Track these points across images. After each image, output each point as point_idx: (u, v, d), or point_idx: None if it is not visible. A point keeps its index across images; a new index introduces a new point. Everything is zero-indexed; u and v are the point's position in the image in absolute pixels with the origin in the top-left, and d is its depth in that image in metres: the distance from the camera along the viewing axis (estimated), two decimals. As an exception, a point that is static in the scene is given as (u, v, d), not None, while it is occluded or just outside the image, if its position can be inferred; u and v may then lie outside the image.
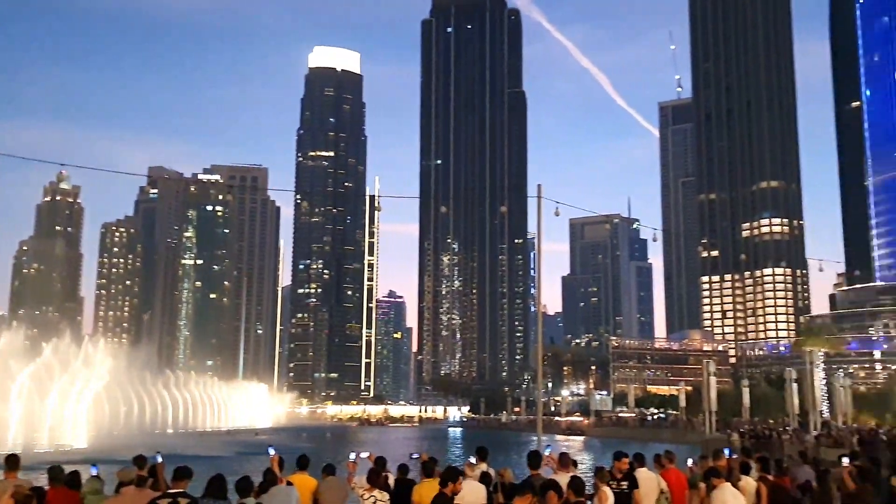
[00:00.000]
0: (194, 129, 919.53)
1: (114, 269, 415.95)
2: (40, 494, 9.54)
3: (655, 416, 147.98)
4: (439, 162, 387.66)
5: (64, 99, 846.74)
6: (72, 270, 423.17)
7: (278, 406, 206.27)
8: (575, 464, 12.41)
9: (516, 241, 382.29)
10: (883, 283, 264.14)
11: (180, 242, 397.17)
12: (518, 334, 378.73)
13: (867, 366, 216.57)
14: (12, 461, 10.47)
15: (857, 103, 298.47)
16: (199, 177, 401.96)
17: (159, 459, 11.28)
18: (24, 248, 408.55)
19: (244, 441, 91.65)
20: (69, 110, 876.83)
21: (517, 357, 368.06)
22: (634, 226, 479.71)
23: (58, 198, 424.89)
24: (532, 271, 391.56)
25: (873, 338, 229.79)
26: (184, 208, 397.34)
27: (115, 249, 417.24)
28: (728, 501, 11.54)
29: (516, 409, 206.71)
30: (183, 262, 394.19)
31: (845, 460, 15.34)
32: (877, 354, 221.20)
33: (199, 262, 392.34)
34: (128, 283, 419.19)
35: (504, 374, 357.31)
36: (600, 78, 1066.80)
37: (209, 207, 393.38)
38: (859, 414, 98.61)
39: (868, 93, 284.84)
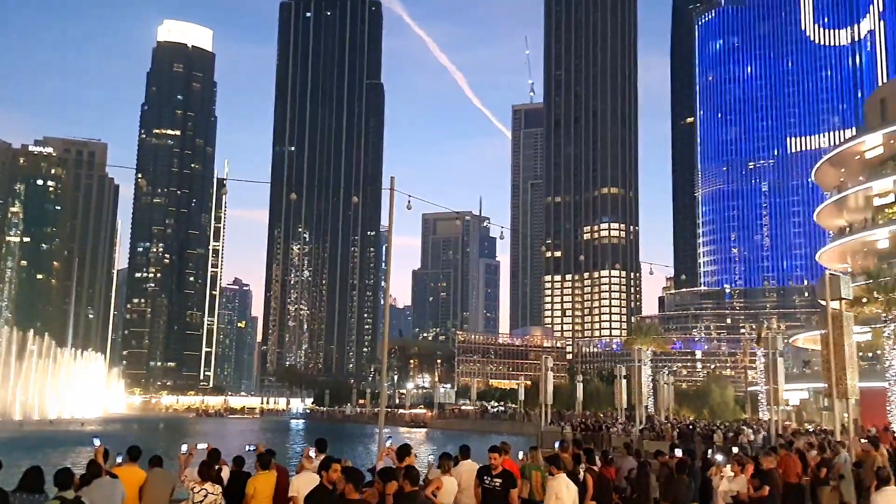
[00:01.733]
0: (27, 97, 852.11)
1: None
2: None
3: (496, 409, 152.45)
4: (293, 148, 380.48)
5: None
6: None
7: (109, 395, 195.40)
8: (415, 455, 12.58)
9: (369, 233, 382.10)
10: (706, 288, 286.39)
11: (5, 217, 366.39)
12: (367, 326, 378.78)
13: (689, 364, 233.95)
14: None
15: (691, 119, 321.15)
16: (30, 148, 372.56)
17: None
18: None
19: (69, 432, 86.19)
20: None
21: (364, 349, 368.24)
22: (485, 224, 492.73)
23: None
24: (383, 264, 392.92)
25: (695, 339, 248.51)
26: (11, 181, 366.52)
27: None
28: (562, 491, 12.07)
29: (361, 402, 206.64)
30: (8, 238, 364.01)
31: (678, 452, 16.54)
32: (698, 354, 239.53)
33: (26, 239, 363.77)
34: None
35: (351, 366, 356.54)
36: (458, 76, 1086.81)
37: (39, 182, 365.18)
38: (680, 409, 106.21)
39: (701, 111, 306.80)
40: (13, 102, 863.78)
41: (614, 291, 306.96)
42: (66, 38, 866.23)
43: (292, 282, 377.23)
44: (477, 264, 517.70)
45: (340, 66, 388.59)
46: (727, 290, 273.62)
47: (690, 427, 52.01)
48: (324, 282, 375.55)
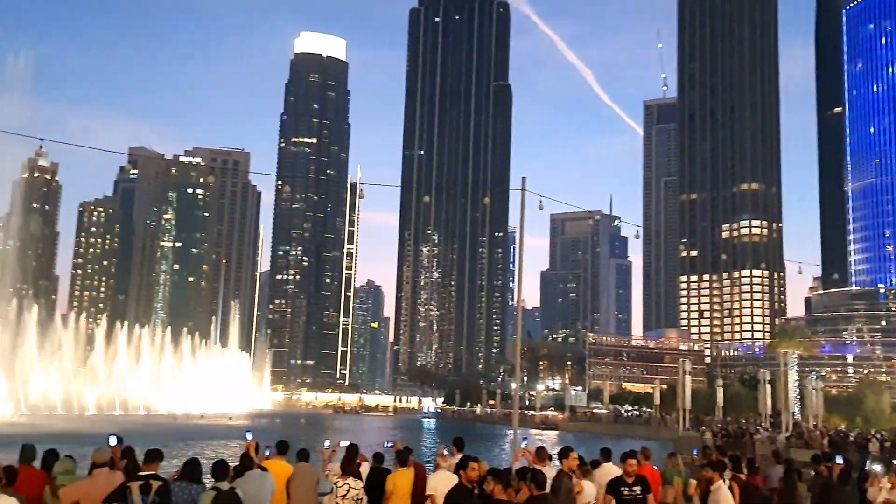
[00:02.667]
0: (177, 109, 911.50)
1: (90, 249, 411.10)
2: (11, 473, 9.42)
3: (630, 413, 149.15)
4: (422, 152, 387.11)
5: (45, 76, 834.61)
6: (48, 249, 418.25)
7: (254, 392, 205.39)
8: (551, 458, 12.44)
9: (497, 234, 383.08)
10: (858, 287, 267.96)
11: (159, 224, 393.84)
12: (495, 327, 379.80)
13: (839, 369, 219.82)
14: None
15: (839, 109, 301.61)
16: (181, 158, 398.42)
17: (113, 441, 11.07)
18: (0, 224, 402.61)
19: (219, 426, 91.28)
20: (50, 87, 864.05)
21: (493, 350, 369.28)
22: (616, 223, 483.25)
23: (35, 175, 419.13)
24: (511, 265, 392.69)
25: (846, 342, 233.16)
26: (163, 190, 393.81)
27: (93, 229, 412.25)
28: (729, 498, 11.63)
29: (491, 402, 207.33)
30: (161, 243, 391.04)
31: (839, 460, 15.54)
32: (849, 358, 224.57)
33: (178, 244, 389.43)
34: (104, 263, 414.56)
35: (480, 366, 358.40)
36: (586, 74, 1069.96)
37: (189, 190, 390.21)
38: (830, 416, 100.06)
39: (849, 100, 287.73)
40: (164, 115, 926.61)
41: (756, 292, 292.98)
42: (210, 54, 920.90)
43: (422, 283, 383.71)
44: (607, 264, 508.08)
45: (468, 69, 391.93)
46: (881, 290, 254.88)
47: (842, 435, 48.87)
48: (453, 283, 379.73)
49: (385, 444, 14.06)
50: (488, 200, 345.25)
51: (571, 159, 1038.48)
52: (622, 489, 11.30)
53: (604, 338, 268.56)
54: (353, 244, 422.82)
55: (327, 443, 13.09)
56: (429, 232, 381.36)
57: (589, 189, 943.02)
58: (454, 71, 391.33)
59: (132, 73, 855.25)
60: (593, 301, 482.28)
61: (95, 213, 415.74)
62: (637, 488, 11.28)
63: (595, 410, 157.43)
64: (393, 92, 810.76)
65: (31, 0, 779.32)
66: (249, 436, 12.21)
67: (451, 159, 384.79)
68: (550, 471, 11.22)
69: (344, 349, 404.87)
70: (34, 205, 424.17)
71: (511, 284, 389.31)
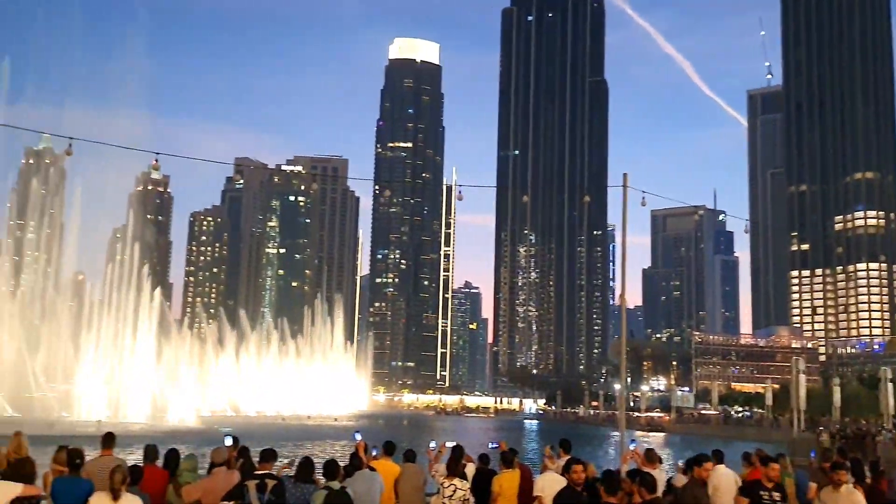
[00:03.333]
0: (279, 120, 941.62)
1: (201, 257, 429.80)
2: (137, 472, 9.90)
3: (740, 414, 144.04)
4: (517, 152, 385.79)
5: (153, 90, 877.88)
6: (162, 257, 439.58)
7: (357, 393, 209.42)
8: (660, 460, 12.14)
9: (595, 232, 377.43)
10: None
11: (264, 231, 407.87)
12: (596, 327, 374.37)
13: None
14: (108, 439, 10.90)
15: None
16: (283, 167, 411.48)
17: (229, 441, 11.50)
18: (118, 235, 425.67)
19: (325, 427, 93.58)
20: (158, 102, 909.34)
21: (595, 350, 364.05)
22: (720, 218, 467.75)
23: (149, 187, 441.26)
24: (611, 263, 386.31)
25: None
26: (268, 198, 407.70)
27: (203, 238, 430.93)
28: (862, 501, 11.09)
29: (594, 403, 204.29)
30: (267, 250, 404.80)
31: None
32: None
33: (282, 250, 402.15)
34: (214, 270, 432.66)
35: (581, 367, 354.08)
36: (685, 65, 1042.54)
37: (292, 197, 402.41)
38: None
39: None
40: (267, 126, 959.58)
41: (873, 286, 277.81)
42: (309, 65, 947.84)
43: (520, 284, 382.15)
44: (712, 261, 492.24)
45: (563, 66, 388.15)
46: None
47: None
48: (551, 283, 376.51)
49: (490, 445, 14.06)
50: (588, 199, 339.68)
51: (672, 154, 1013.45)
52: (761, 494, 10.71)
53: (711, 336, 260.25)
54: (450, 246, 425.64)
55: (433, 444, 13.19)
56: (525, 232, 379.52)
57: (691, 184, 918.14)
58: (548, 69, 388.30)
59: (236, 87, 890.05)
60: (698, 299, 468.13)
61: (205, 223, 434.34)
62: (777, 494, 10.70)
63: (703, 412, 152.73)
64: (487, 93, 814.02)
65: (140, 19, 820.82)
66: (358, 436, 12.44)
67: (547, 158, 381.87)
68: (661, 474, 10.94)
69: (443, 351, 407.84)
70: (148, 216, 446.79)
71: (611, 283, 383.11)
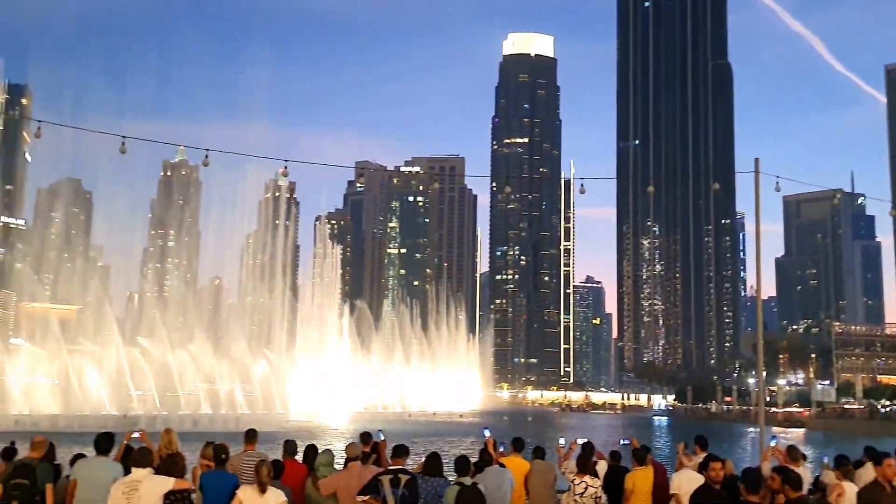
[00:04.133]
0: (397, 122, 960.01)
1: (326, 259, 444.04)
2: (279, 467, 10.32)
3: (887, 409, 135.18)
4: (637, 142, 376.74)
5: (278, 101, 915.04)
6: (290, 261, 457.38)
7: (480, 390, 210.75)
8: (804, 457, 11.52)
9: (723, 221, 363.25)
10: None
11: (385, 232, 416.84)
12: (727, 320, 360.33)
13: None
14: (251, 435, 11.43)
15: None
16: (401, 168, 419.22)
17: (381, 437, 11.85)
18: (250, 241, 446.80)
19: (451, 423, 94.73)
20: (282, 111, 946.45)
21: (726, 344, 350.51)
22: (859, 201, 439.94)
23: (277, 194, 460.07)
24: (741, 253, 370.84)
25: None
26: (388, 199, 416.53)
27: (328, 241, 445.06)
28: None
29: (727, 399, 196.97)
30: (388, 250, 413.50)
31: None
32: None
33: (403, 250, 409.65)
34: (339, 271, 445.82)
35: (712, 361, 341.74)
36: (815, 42, 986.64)
37: (411, 198, 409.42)
38: None
39: None
40: (385, 128, 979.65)
41: None
42: (424, 67, 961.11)
43: (644, 277, 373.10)
44: (851, 247, 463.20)
45: (683, 52, 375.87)
46: None
47: None
48: (677, 275, 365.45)
49: (621, 442, 13.77)
50: (717, 187, 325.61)
51: (804, 136, 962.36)
52: None
53: (852, 327, 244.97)
54: (569, 241, 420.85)
55: (562, 440, 13.07)
56: (649, 223, 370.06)
57: (826, 167, 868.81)
58: (667, 55, 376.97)
59: (355, 93, 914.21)
60: (837, 288, 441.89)
61: (329, 226, 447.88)
62: None
63: (846, 406, 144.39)
64: (604, 83, 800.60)
65: (261, 30, 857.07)
66: (487, 433, 12.48)
67: (669, 147, 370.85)
68: (805, 472, 10.39)
69: (566, 347, 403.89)
70: (276, 221, 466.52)
71: (742, 274, 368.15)
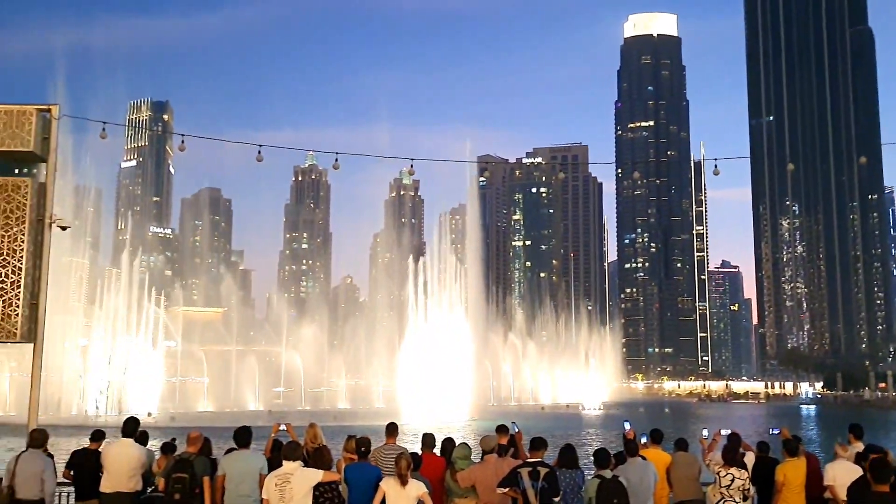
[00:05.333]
0: (516, 114, 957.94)
1: (452, 255, 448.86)
2: (417, 459, 10.58)
3: None
4: (771, 118, 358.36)
5: (395, 99, 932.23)
6: (417, 258, 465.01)
7: (613, 382, 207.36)
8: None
9: (870, 196, 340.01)
10: None
11: (509, 225, 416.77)
12: (878, 302, 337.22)
13: None
14: (392, 428, 11.75)
15: None
16: (523, 160, 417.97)
17: (516, 429, 11.87)
18: (378, 240, 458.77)
19: (584, 415, 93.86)
20: (401, 110, 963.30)
21: (878, 327, 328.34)
22: None
23: (402, 192, 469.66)
24: (891, 230, 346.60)
25: None
26: (510, 193, 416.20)
27: (453, 236, 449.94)
28: None
29: (881, 385, 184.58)
30: (513, 243, 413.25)
31: None
32: None
33: (528, 242, 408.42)
34: (464, 266, 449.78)
35: (863, 346, 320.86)
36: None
37: (533, 189, 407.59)
38: None
39: None
40: (505, 120, 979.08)
41: None
42: (541, 57, 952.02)
43: (784, 259, 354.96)
44: None
45: (817, 19, 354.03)
46: None
47: None
48: (820, 256, 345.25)
49: (770, 432, 13.18)
50: (864, 160, 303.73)
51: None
52: None
53: None
54: (702, 225, 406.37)
55: (705, 432, 12.64)
56: (787, 203, 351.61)
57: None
58: (800, 24, 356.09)
59: (473, 87, 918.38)
60: None
61: (453, 221, 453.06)
62: None
63: None
64: (732, 59, 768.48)
65: (375, 32, 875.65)
66: (628, 425, 12.27)
67: (806, 121, 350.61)
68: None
69: (703, 335, 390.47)
70: (402, 219, 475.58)
71: (893, 252, 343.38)
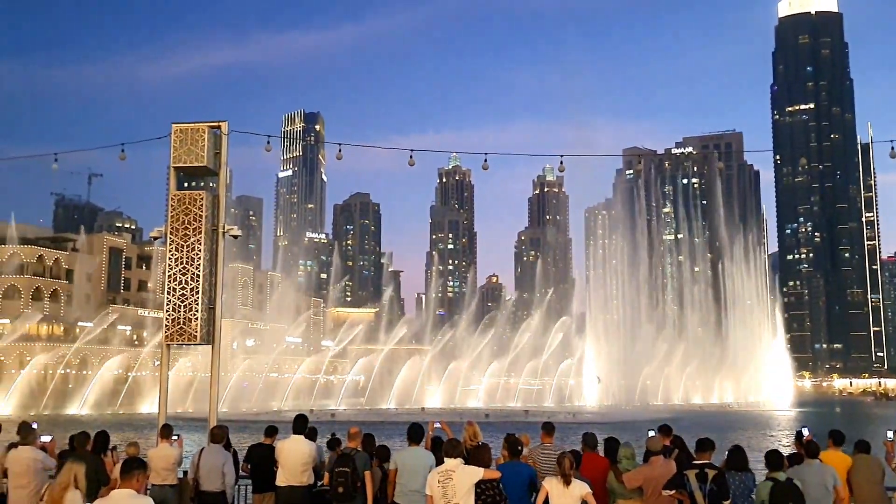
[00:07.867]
0: (663, 104, 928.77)
1: (599, 251, 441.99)
2: (577, 458, 10.47)
3: None
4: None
5: (537, 97, 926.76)
6: (563, 255, 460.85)
7: (778, 380, 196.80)
8: None
9: None
10: None
11: (659, 219, 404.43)
12: None
13: None
14: (548, 427, 11.71)
15: None
16: (673, 151, 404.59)
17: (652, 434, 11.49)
18: (522, 237, 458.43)
19: (750, 414, 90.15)
20: (543, 106, 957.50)
21: None
22: None
23: (545, 189, 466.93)
24: None
25: None
26: (660, 184, 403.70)
27: (599, 231, 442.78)
28: None
29: None
30: (664, 237, 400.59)
31: None
32: None
33: (680, 235, 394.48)
34: (613, 262, 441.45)
35: None
36: None
37: (685, 181, 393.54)
38: None
39: None
40: (652, 111, 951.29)
41: None
42: (689, 43, 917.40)
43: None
44: None
45: None
46: None
47: None
48: None
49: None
50: None
51: None
52: None
53: None
54: (872, 212, 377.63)
55: (890, 434, 11.72)
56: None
57: None
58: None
59: (619, 77, 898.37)
60: None
61: (600, 217, 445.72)
62: None
63: None
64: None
65: (522, 35, 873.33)
66: (806, 431, 11.58)
67: None
68: None
69: (877, 329, 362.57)
70: (547, 216, 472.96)
71: None
